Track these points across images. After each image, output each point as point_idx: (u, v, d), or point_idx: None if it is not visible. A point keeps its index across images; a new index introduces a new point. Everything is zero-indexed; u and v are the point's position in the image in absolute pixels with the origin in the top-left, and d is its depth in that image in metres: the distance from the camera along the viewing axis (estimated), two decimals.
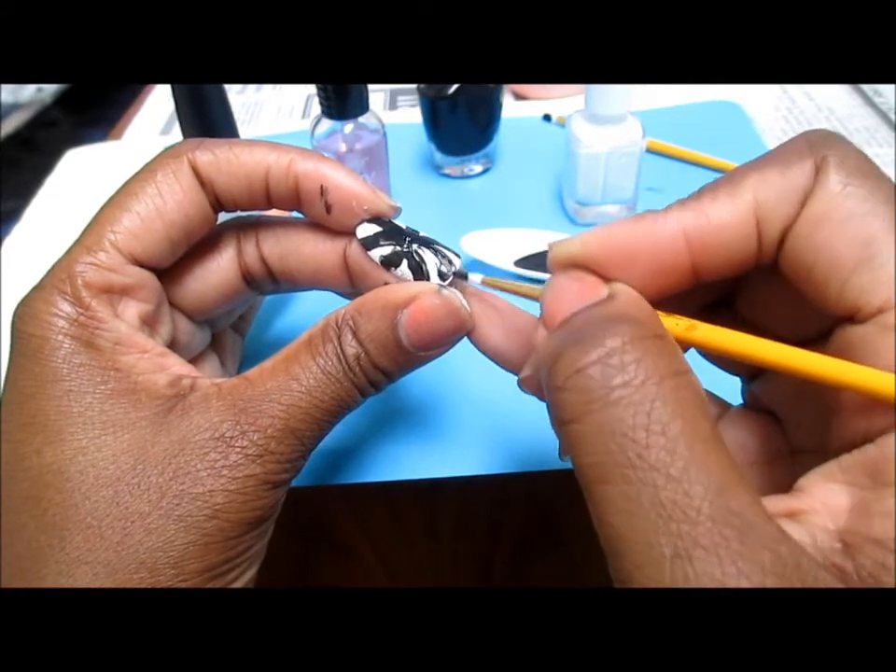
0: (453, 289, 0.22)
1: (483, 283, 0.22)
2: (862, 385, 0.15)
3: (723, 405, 0.22)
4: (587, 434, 0.15)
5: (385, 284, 0.23)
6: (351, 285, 0.25)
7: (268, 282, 0.26)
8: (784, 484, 0.18)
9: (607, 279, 0.18)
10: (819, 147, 0.17)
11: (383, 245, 0.23)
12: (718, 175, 0.18)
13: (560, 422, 0.16)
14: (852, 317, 0.16)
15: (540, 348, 0.17)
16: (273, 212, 0.25)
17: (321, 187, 0.23)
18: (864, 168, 0.16)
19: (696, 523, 0.13)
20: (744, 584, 0.13)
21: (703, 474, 0.14)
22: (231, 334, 0.30)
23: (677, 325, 0.17)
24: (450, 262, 0.23)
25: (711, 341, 0.17)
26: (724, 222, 0.17)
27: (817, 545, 0.14)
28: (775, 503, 0.16)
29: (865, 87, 0.57)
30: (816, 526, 0.15)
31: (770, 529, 0.13)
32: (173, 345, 0.25)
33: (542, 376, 0.17)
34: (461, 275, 0.23)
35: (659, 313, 0.17)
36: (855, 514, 0.15)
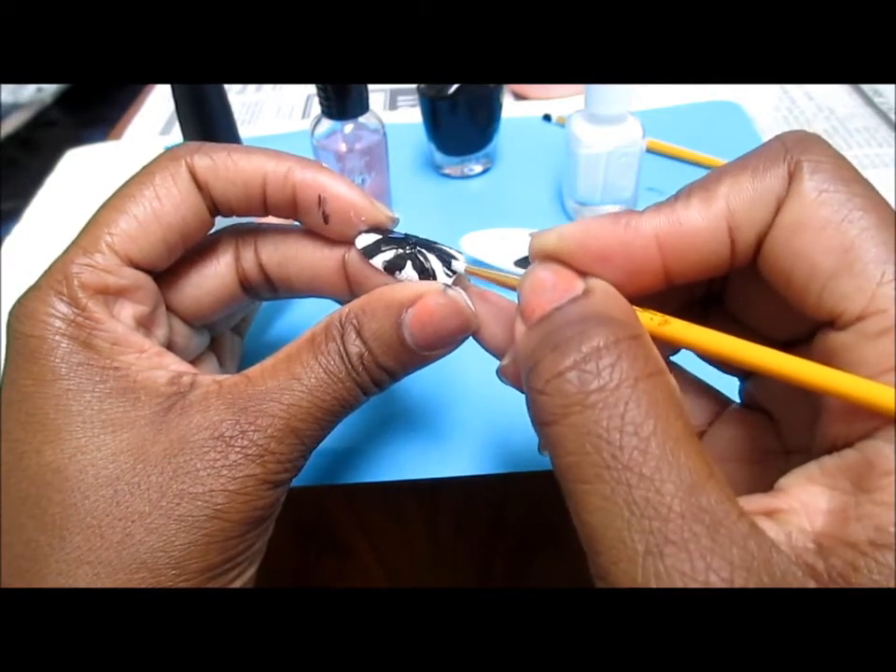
0: (458, 289, 0.22)
1: (466, 271, 0.23)
2: (830, 388, 0.15)
3: (723, 402, 0.22)
4: (565, 435, 0.15)
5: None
6: (350, 292, 0.24)
7: (266, 289, 0.26)
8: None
9: (583, 273, 0.18)
10: (794, 150, 0.17)
11: (385, 251, 0.23)
12: None
13: (540, 423, 0.16)
14: (832, 323, 0.16)
15: (520, 344, 0.18)
16: (272, 219, 0.25)
17: (319, 197, 0.23)
18: (842, 173, 0.16)
19: (667, 519, 0.14)
20: (713, 579, 0.13)
21: (674, 473, 0.14)
22: (229, 335, 0.30)
23: (651, 319, 0.18)
24: (455, 260, 0.23)
25: (683, 337, 0.18)
26: (696, 229, 0.17)
27: (791, 543, 0.14)
28: (754, 501, 0.16)
29: (865, 87, 0.57)
30: (792, 525, 0.15)
31: (740, 525, 0.14)
32: (169, 349, 0.24)
33: (522, 376, 0.17)
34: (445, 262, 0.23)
35: (634, 308, 0.18)
36: (833, 517, 0.15)
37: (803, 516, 0.15)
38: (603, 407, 0.15)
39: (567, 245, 0.18)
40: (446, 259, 0.23)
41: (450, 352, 0.22)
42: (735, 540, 0.13)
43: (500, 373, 0.21)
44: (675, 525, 0.14)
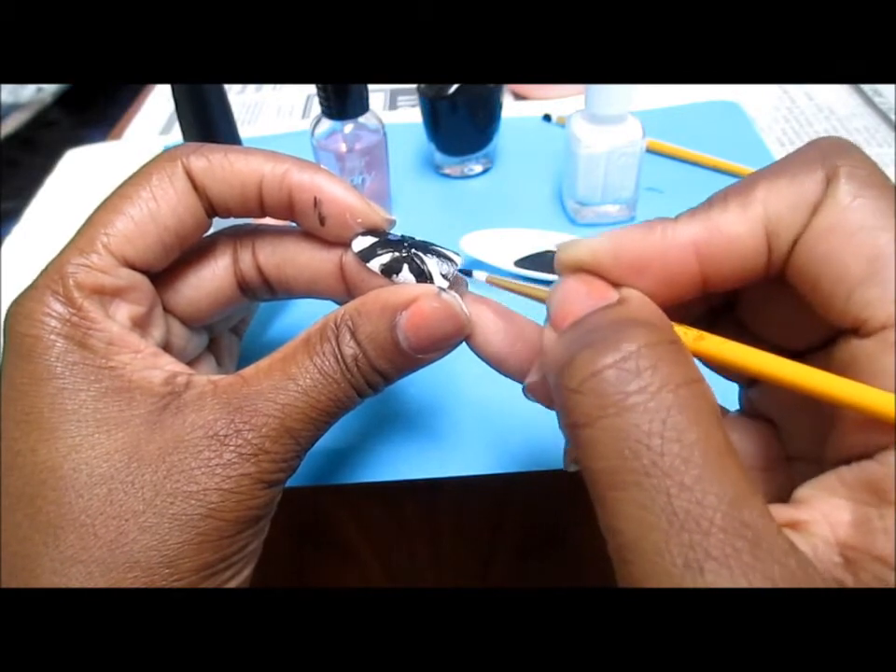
0: (452, 293, 0.22)
1: (488, 281, 0.22)
2: (868, 406, 0.15)
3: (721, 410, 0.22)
4: (601, 439, 0.15)
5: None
6: (348, 293, 0.24)
7: (264, 290, 0.26)
8: (780, 492, 0.18)
9: (615, 285, 0.18)
10: (831, 156, 0.16)
11: (381, 255, 0.23)
12: (718, 175, 0.18)
13: (572, 425, 0.15)
14: (856, 330, 0.16)
15: (549, 351, 0.17)
16: (269, 221, 0.25)
17: (315, 199, 0.23)
18: (876, 180, 0.16)
19: (708, 533, 0.13)
20: None
21: (716, 484, 0.14)
22: (227, 335, 0.30)
23: (685, 335, 0.17)
24: (451, 262, 0.22)
25: (719, 353, 0.17)
26: (736, 234, 0.17)
27: (818, 557, 0.14)
28: (777, 513, 0.16)
29: (865, 87, 0.57)
30: (817, 538, 0.15)
31: (780, 541, 0.13)
32: (167, 349, 0.24)
33: (551, 379, 0.16)
34: (466, 272, 0.23)
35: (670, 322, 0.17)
36: (856, 530, 0.15)
37: (825, 528, 0.15)
38: (644, 410, 0.14)
39: (602, 258, 0.18)
40: (444, 260, 0.22)
41: (444, 355, 0.22)
42: (777, 558, 0.13)
43: (527, 391, 0.21)
44: (716, 539, 0.13)
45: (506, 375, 0.22)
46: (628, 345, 0.15)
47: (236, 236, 0.26)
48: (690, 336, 0.17)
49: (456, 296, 0.22)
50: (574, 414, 0.15)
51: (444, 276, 0.22)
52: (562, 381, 0.16)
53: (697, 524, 0.13)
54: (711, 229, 0.17)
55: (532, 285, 0.20)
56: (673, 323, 0.17)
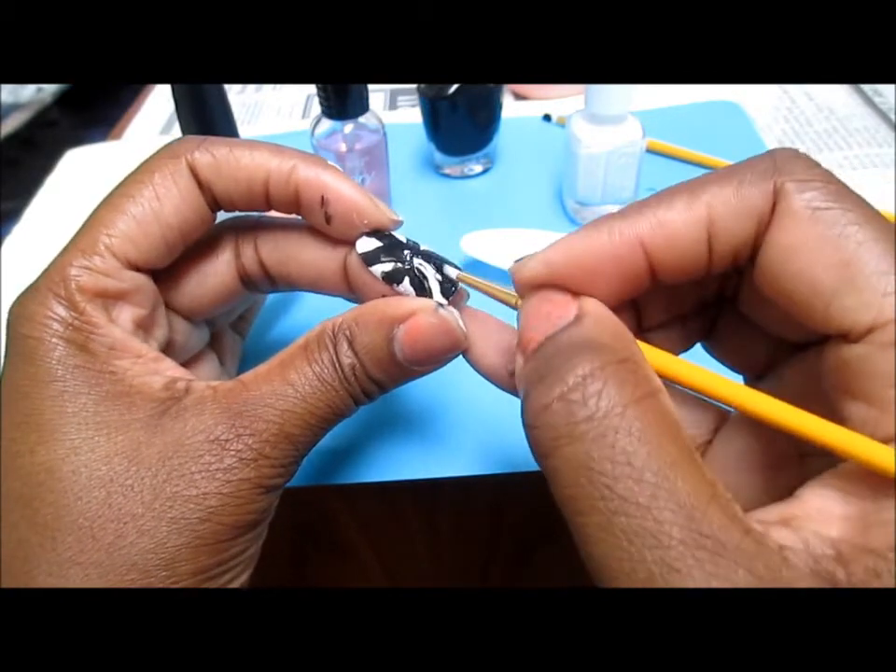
0: (450, 308, 0.22)
1: (458, 279, 0.22)
2: (824, 440, 0.15)
3: (722, 414, 0.21)
4: (559, 468, 0.15)
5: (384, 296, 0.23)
6: (350, 292, 0.24)
7: (266, 283, 0.26)
8: (791, 489, 0.18)
9: (575, 293, 0.18)
10: (782, 169, 0.17)
11: (384, 262, 0.23)
12: None
13: (536, 456, 0.16)
14: (844, 337, 0.16)
15: (517, 378, 0.18)
16: (274, 213, 0.25)
17: (322, 197, 0.23)
18: (831, 188, 0.16)
19: (669, 547, 0.14)
20: None
21: (671, 500, 0.14)
22: (230, 334, 0.30)
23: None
24: (451, 280, 0.23)
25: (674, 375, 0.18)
26: (677, 231, 0.17)
27: (809, 551, 0.14)
28: (770, 511, 0.16)
29: (865, 87, 0.57)
30: (808, 532, 0.15)
31: (745, 545, 0.14)
32: (169, 346, 0.24)
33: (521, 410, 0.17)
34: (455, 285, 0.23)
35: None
36: (851, 524, 0.15)
37: (818, 522, 0.15)
38: (593, 438, 0.15)
39: (556, 270, 0.18)
40: (445, 274, 0.23)
41: (440, 368, 0.22)
42: (741, 563, 0.13)
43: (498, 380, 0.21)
44: (677, 552, 0.14)
45: (499, 388, 0.22)
46: (573, 375, 0.15)
47: (237, 231, 0.26)
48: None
49: (454, 311, 0.22)
50: (535, 447, 0.16)
51: (444, 291, 0.22)
52: (523, 417, 0.16)
53: (657, 539, 0.14)
54: (655, 225, 0.17)
55: (500, 287, 0.21)
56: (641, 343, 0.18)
